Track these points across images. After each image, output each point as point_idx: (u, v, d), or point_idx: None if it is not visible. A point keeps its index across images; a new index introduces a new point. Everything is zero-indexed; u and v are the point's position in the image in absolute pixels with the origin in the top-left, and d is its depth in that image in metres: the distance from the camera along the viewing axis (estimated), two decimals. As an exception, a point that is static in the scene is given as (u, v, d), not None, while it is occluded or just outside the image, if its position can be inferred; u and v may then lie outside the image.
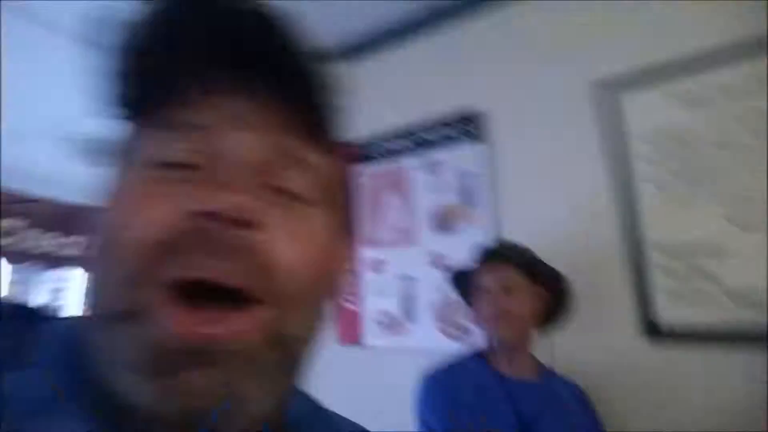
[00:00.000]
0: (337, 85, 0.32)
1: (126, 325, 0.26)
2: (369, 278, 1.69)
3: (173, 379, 0.25)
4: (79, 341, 0.30)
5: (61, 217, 3.50)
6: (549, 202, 1.40)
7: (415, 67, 1.75)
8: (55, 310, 0.37)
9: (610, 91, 1.33)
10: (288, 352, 0.30)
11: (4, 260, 3.30)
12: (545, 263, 1.13)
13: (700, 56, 1.22)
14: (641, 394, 1.18)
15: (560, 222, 1.37)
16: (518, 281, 1.09)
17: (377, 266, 1.69)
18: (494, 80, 1.56)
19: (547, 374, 1.12)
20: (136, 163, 0.30)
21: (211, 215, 0.26)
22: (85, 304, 0.30)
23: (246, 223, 0.27)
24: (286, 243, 0.29)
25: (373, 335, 1.65)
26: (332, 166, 0.34)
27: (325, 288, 0.33)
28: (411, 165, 1.67)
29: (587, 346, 1.26)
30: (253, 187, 0.29)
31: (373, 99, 1.69)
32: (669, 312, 1.18)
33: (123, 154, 0.31)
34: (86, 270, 0.31)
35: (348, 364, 1.63)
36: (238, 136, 0.30)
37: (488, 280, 1.11)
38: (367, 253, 1.70)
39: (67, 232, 3.49)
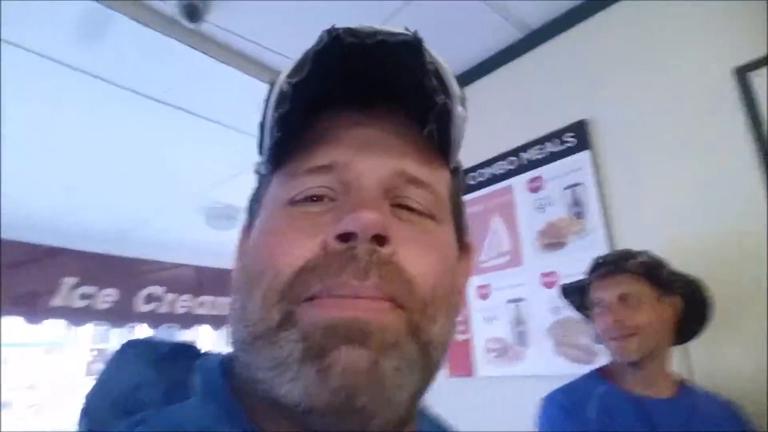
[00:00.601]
0: (456, 109, 0.34)
1: (280, 332, 0.29)
2: (477, 305, 1.66)
3: (325, 360, 0.27)
4: (229, 368, 0.34)
5: (192, 281, 3.92)
6: (670, 205, 1.29)
7: (516, 87, 1.76)
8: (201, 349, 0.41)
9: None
10: (425, 350, 0.31)
11: (145, 325, 3.76)
12: (671, 268, 1.05)
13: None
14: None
15: (690, 223, 1.25)
16: (638, 290, 1.00)
17: (484, 292, 1.67)
18: (600, 87, 1.51)
19: (687, 390, 1.00)
20: (280, 203, 0.34)
21: (348, 235, 0.29)
22: (233, 327, 0.33)
23: (380, 239, 0.30)
24: (414, 254, 0.31)
25: (485, 364, 1.59)
26: (444, 184, 0.37)
27: (452, 295, 0.34)
28: (517, 185, 1.65)
29: (731, 359, 1.13)
30: (380, 207, 0.31)
31: (477, 125, 1.72)
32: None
33: (268, 198, 0.36)
34: (234, 301, 0.34)
35: (461, 397, 1.59)
36: (363, 165, 0.33)
37: (604, 292, 1.04)
38: (473, 280, 1.68)
39: (197, 294, 3.89)
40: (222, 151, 2.34)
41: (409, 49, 0.32)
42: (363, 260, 0.29)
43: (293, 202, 0.33)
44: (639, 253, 1.05)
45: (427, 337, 0.31)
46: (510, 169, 1.68)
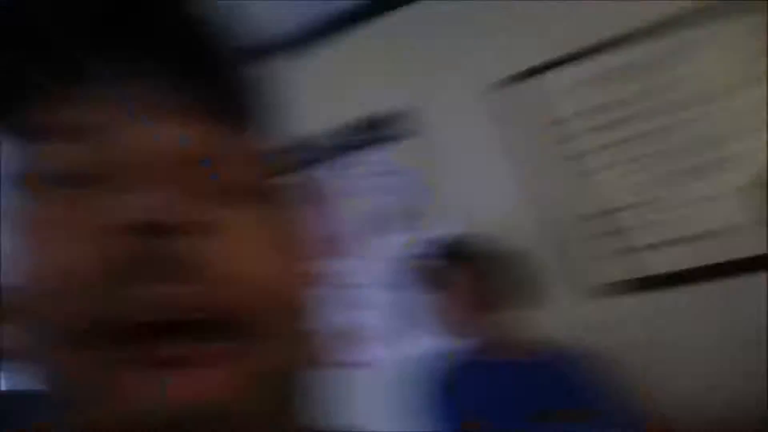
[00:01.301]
0: (260, 75, 0.28)
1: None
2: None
3: None
4: None
5: None
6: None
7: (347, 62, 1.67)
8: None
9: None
10: (275, 392, 0.24)
11: None
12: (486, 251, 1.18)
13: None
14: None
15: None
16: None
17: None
18: (422, 75, 1.56)
19: (539, 350, 1.13)
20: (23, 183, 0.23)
21: (128, 229, 0.20)
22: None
23: (175, 228, 0.21)
24: (238, 246, 0.23)
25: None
26: (256, 159, 0.28)
27: (296, 300, 0.27)
28: (340, 169, 1.60)
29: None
30: (173, 184, 0.22)
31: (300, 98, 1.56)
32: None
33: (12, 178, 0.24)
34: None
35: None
36: (141, 129, 0.23)
37: (457, 275, 1.14)
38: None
39: None
40: None
41: None
42: (155, 262, 0.21)
43: (45, 186, 0.23)
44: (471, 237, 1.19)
45: (269, 369, 0.24)
46: (334, 149, 1.61)
